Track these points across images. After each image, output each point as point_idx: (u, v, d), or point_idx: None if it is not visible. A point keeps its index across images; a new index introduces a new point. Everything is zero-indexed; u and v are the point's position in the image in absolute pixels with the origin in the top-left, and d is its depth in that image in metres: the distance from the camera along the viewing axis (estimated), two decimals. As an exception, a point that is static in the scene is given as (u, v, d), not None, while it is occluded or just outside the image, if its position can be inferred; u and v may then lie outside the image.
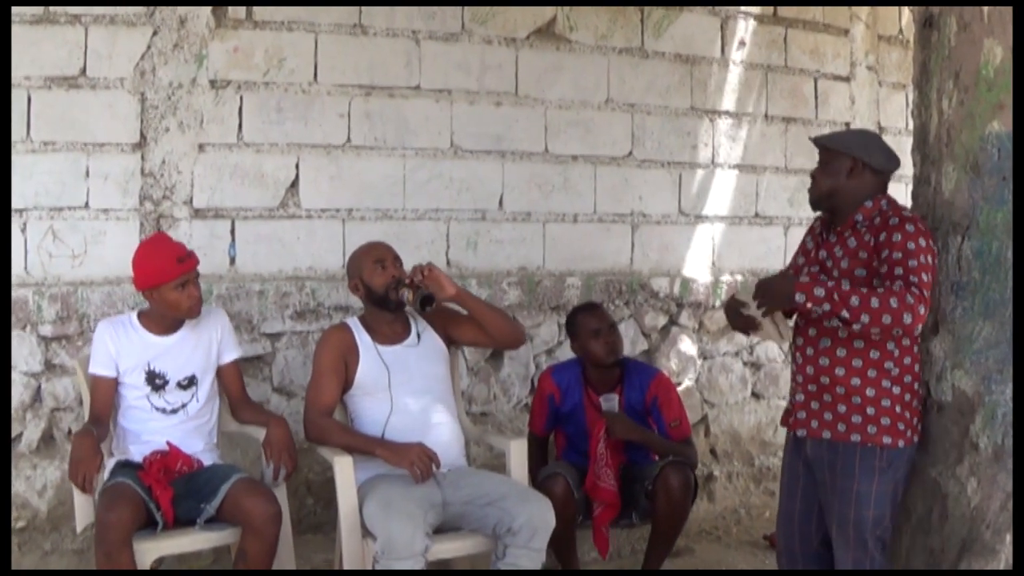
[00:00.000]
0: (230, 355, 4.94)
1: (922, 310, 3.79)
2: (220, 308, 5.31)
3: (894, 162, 4.17)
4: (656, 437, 5.44)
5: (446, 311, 5.15)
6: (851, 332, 3.98)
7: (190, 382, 4.76)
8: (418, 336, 5.00)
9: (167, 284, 4.61)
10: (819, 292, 3.86)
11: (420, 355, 4.94)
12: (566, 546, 5.16)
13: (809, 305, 3.87)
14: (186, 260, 4.66)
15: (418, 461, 4.56)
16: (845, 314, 3.83)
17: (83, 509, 4.51)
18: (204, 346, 4.84)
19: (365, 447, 4.69)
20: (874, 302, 3.78)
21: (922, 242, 3.90)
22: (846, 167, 4.10)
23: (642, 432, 5.38)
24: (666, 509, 5.14)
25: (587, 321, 5.45)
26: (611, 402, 5.32)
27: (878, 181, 4.13)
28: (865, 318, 3.80)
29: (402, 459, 4.58)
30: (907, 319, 3.78)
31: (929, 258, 3.90)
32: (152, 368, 4.70)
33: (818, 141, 4.27)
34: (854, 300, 3.81)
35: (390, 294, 4.87)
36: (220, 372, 4.92)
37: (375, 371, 4.83)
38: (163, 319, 4.75)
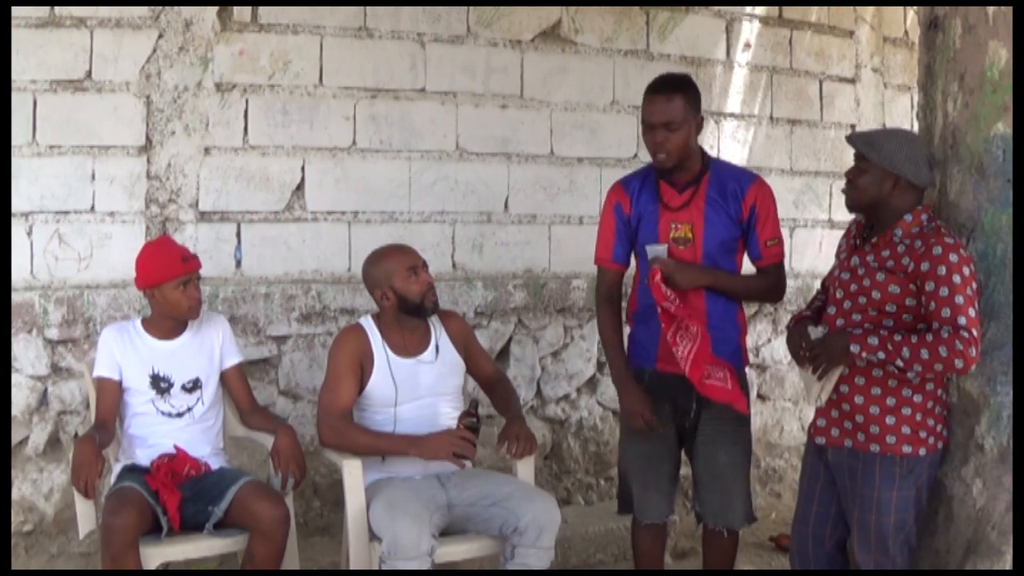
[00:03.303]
0: (232, 359, 4.93)
1: (973, 352, 3.78)
2: (220, 314, 5.31)
3: (935, 169, 4.12)
4: (733, 277, 4.62)
5: (470, 340, 5.02)
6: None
7: (195, 385, 4.76)
8: (436, 349, 4.84)
9: (169, 282, 4.62)
10: (872, 341, 3.89)
11: (435, 372, 4.80)
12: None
13: (864, 355, 3.91)
14: (190, 260, 4.69)
15: (458, 449, 4.53)
16: (900, 363, 3.86)
17: (85, 514, 4.50)
18: (207, 350, 4.84)
19: (395, 448, 4.62)
20: (924, 353, 3.79)
21: (966, 271, 3.85)
22: (889, 182, 4.01)
23: (712, 274, 4.54)
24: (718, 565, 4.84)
25: (643, 109, 4.57)
26: (658, 249, 4.51)
27: (919, 191, 4.08)
28: (918, 367, 3.84)
29: (439, 453, 4.55)
30: (959, 364, 3.79)
31: (973, 286, 3.88)
32: (156, 372, 4.70)
33: (858, 147, 4.09)
34: (905, 352, 3.82)
35: (426, 301, 4.72)
36: (225, 378, 4.92)
37: (384, 387, 4.70)
38: (165, 322, 4.75)
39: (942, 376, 3.99)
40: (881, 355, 3.87)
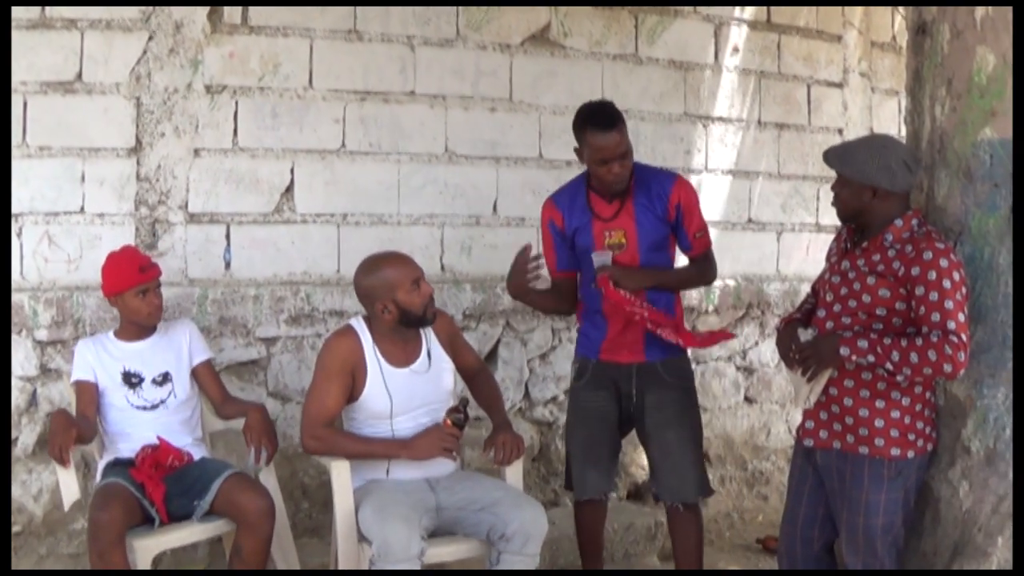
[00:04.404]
0: (201, 357, 5.11)
1: (962, 356, 3.81)
2: (186, 318, 5.40)
3: (916, 169, 4.10)
4: (671, 274, 5.00)
5: (456, 336, 5.00)
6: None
7: (164, 379, 4.93)
8: (428, 356, 4.77)
9: (129, 291, 4.85)
10: (862, 344, 3.92)
11: (428, 381, 4.72)
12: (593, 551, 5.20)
13: (854, 357, 3.94)
14: (148, 270, 4.90)
15: (447, 445, 4.55)
16: (889, 366, 3.88)
17: (67, 485, 4.54)
18: (175, 348, 5.03)
19: (385, 452, 4.61)
20: (913, 357, 3.82)
21: (955, 276, 3.88)
22: (868, 193, 4.04)
23: (654, 275, 4.87)
24: (685, 557, 5.05)
25: (596, 145, 4.70)
26: (603, 257, 4.81)
27: (902, 196, 4.10)
28: (907, 371, 3.86)
29: (431, 452, 4.56)
30: (947, 369, 3.81)
31: (963, 290, 3.90)
32: (127, 369, 4.90)
33: (831, 163, 4.14)
34: (895, 355, 3.85)
35: (427, 313, 4.66)
36: (196, 375, 5.08)
37: (379, 399, 4.63)
38: (131, 327, 4.96)
39: (931, 379, 4.01)
40: (871, 358, 3.89)
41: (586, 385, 5.01)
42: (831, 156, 4.16)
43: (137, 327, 4.94)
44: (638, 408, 4.93)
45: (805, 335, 4.15)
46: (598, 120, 4.74)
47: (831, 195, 4.22)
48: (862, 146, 4.21)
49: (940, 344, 3.80)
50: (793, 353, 4.18)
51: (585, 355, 5.04)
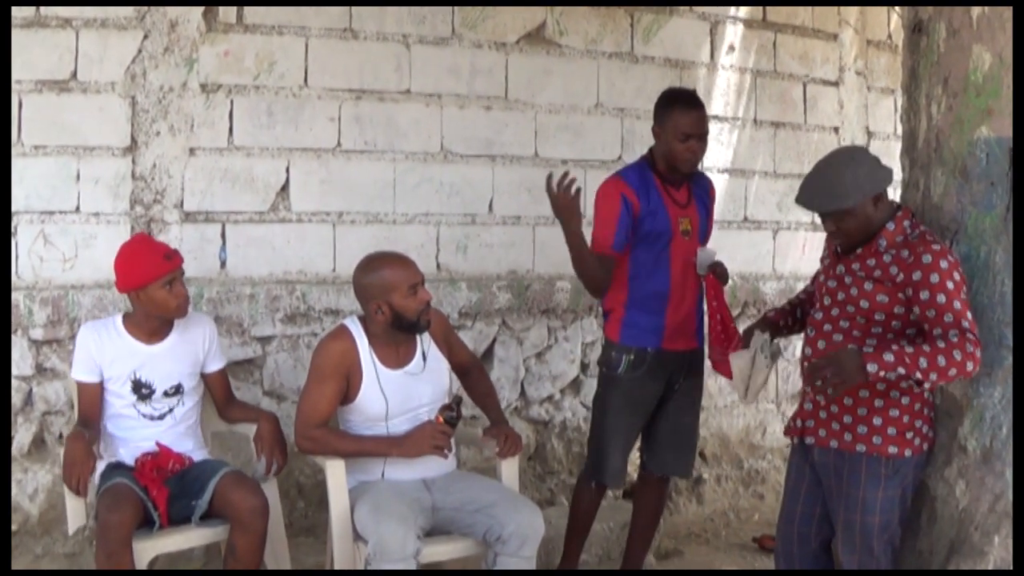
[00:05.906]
0: (216, 364, 4.93)
1: (979, 353, 3.79)
2: (207, 315, 5.32)
3: (887, 171, 4.05)
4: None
5: (449, 333, 4.97)
6: (858, 342, 4.01)
7: (176, 390, 4.75)
8: (423, 357, 4.74)
9: (154, 283, 4.55)
10: (888, 358, 3.75)
11: (423, 382, 4.69)
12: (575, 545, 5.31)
13: (882, 373, 3.77)
14: (173, 257, 4.63)
15: (438, 442, 4.51)
16: (918, 375, 3.76)
17: (75, 511, 4.49)
18: (191, 355, 4.81)
19: (377, 450, 4.58)
20: (941, 360, 3.74)
21: (956, 276, 3.87)
22: (870, 206, 3.97)
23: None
24: (646, 519, 5.40)
25: (682, 121, 4.90)
26: (710, 254, 5.04)
27: (885, 196, 4.06)
28: (934, 376, 3.76)
29: (422, 449, 4.52)
30: (970, 367, 3.78)
31: (965, 289, 3.90)
32: (138, 377, 4.67)
33: (827, 209, 4.03)
34: (923, 362, 3.73)
35: (422, 319, 4.61)
36: (206, 379, 4.92)
37: (374, 401, 4.60)
38: (149, 322, 4.69)
39: (952, 380, 3.95)
40: (901, 370, 3.75)
41: (644, 375, 5.03)
42: (822, 202, 4.05)
43: (156, 322, 4.68)
44: (672, 392, 5.13)
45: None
46: (685, 98, 5.05)
47: (836, 237, 4.14)
48: (840, 171, 4.04)
49: (961, 343, 3.76)
50: (806, 367, 4.13)
51: (641, 344, 5.02)
